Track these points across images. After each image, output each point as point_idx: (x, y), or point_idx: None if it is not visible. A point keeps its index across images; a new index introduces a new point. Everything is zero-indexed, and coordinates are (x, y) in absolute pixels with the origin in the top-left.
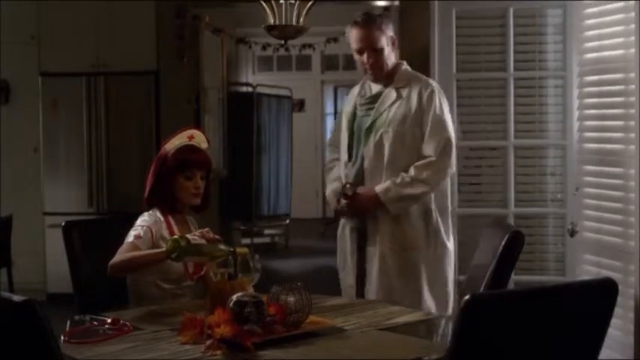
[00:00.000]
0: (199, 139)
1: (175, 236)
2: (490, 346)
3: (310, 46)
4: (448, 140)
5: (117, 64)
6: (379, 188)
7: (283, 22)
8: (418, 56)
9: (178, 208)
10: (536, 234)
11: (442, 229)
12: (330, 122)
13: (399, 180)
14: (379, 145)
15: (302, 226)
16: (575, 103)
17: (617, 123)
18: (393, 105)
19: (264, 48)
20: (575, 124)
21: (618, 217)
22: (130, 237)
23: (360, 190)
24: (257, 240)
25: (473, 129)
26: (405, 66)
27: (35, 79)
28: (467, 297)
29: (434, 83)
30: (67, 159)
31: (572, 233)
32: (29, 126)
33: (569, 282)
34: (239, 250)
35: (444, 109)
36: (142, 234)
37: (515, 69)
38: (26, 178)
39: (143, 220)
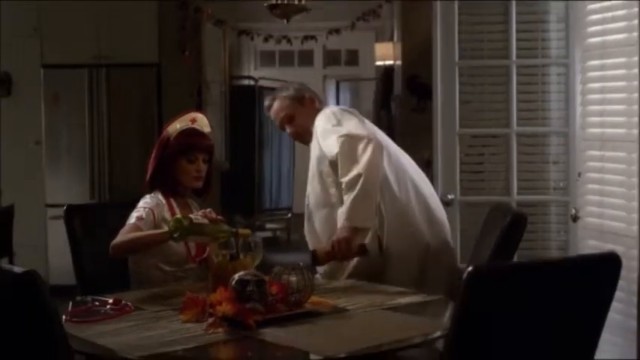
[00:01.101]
0: (202, 122)
1: (178, 216)
2: (492, 319)
3: (312, 37)
4: (345, 136)
5: (119, 57)
6: (339, 225)
7: (285, 2)
8: (420, 45)
9: (180, 191)
10: (538, 222)
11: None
12: None
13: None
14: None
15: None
16: (578, 88)
17: (619, 107)
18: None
19: (266, 40)
20: (578, 109)
21: (620, 201)
22: (132, 218)
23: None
24: (259, 234)
25: (475, 117)
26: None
27: (37, 72)
28: (469, 269)
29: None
30: (68, 151)
31: (575, 219)
32: (31, 118)
33: (573, 256)
34: (241, 231)
35: (327, 125)
36: (144, 215)
37: (518, 56)
38: (28, 170)
39: (145, 202)
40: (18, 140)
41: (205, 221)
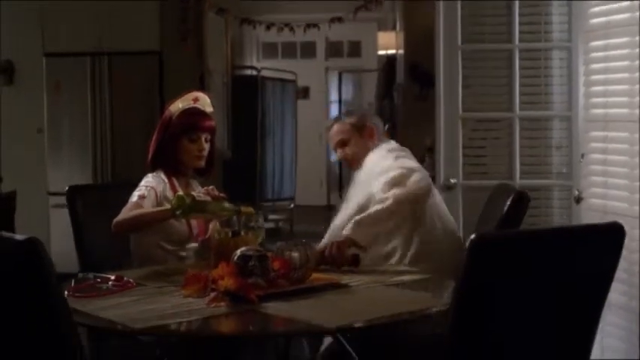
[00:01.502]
0: (204, 102)
1: (180, 193)
2: (495, 288)
3: (315, 26)
4: (406, 169)
5: (120, 45)
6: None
7: None
8: (423, 34)
9: (182, 171)
10: (541, 205)
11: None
12: (334, 110)
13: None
14: None
15: (306, 212)
16: (581, 69)
17: (623, 87)
18: None
19: (268, 28)
20: (581, 90)
21: (623, 181)
22: (134, 197)
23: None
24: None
25: (478, 101)
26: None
27: (39, 60)
28: (472, 237)
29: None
30: (71, 139)
31: (578, 200)
32: (33, 107)
33: (577, 225)
34: (244, 209)
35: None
36: (145, 194)
37: (521, 40)
38: (30, 158)
39: (147, 181)
40: (20, 129)
41: (208, 199)
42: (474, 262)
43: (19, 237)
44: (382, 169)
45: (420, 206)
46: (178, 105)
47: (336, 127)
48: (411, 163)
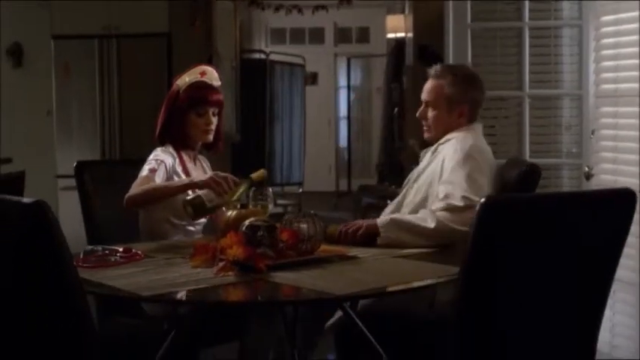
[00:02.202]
0: (211, 75)
1: (190, 197)
2: (506, 252)
3: (323, 8)
4: (466, 199)
5: (129, 27)
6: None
7: None
8: (433, 12)
9: (190, 145)
10: (551, 185)
11: None
12: (343, 95)
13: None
14: None
15: (315, 198)
16: (592, 45)
17: (634, 61)
18: None
19: (276, 9)
20: (592, 66)
21: (634, 157)
22: (145, 171)
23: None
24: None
25: (487, 79)
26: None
27: (48, 43)
28: (482, 200)
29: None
30: (79, 122)
31: (588, 176)
32: (42, 89)
33: (587, 190)
34: (255, 175)
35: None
36: (155, 167)
37: (531, 18)
38: (39, 141)
39: (156, 154)
40: (29, 111)
41: (220, 199)
42: (484, 225)
43: (26, 200)
44: (450, 178)
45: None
46: (185, 79)
47: (430, 84)
48: (481, 180)
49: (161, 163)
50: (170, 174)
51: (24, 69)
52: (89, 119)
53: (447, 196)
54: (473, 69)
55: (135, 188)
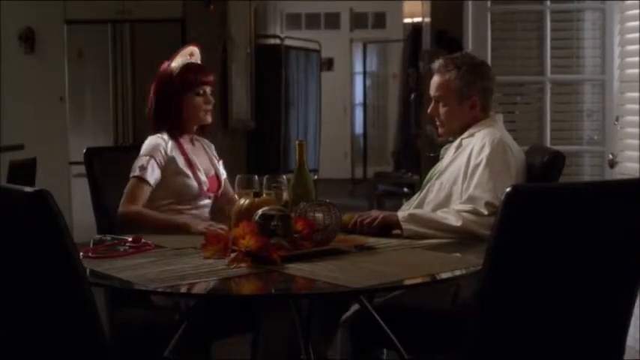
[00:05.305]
0: (198, 57)
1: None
2: (532, 243)
3: None
4: (490, 206)
5: (142, 12)
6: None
7: None
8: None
9: (187, 129)
10: (572, 173)
11: None
12: (359, 81)
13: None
14: None
15: (330, 185)
16: (617, 28)
17: None
18: None
19: None
20: (616, 50)
21: None
22: (135, 170)
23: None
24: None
25: (507, 64)
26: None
27: (61, 28)
28: (508, 189)
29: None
30: (92, 108)
31: (612, 164)
32: (55, 75)
33: (613, 179)
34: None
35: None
36: (145, 164)
37: (552, 1)
38: (52, 127)
39: (144, 149)
40: (42, 97)
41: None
42: (509, 214)
43: (28, 189)
44: (477, 179)
45: None
46: (179, 60)
47: (438, 79)
48: (507, 182)
49: (150, 159)
50: (166, 162)
51: (36, 55)
52: (102, 105)
53: (471, 199)
54: (477, 56)
55: (127, 203)
